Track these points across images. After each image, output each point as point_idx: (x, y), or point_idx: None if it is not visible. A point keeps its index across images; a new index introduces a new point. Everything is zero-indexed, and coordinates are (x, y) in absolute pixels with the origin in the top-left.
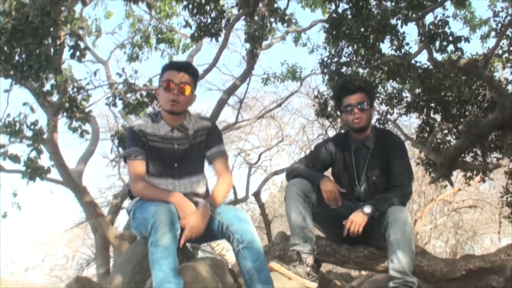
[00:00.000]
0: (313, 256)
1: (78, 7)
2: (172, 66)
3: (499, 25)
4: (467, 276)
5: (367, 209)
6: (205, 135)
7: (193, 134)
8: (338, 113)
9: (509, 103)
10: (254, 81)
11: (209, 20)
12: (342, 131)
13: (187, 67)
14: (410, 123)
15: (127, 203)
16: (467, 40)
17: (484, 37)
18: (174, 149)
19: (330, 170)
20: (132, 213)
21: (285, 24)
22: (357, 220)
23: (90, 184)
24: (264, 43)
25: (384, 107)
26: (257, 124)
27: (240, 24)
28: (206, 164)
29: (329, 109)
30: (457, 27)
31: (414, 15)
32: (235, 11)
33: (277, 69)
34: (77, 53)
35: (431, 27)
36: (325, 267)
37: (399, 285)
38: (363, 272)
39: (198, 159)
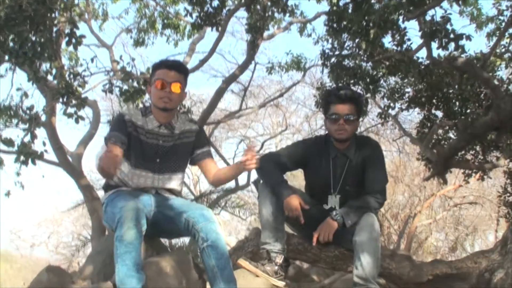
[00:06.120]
0: (283, 256)
1: None
2: (163, 65)
3: (503, 24)
4: (434, 281)
5: (338, 217)
6: (193, 137)
7: (179, 134)
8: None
9: (505, 104)
10: (259, 69)
11: (210, 10)
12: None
13: (178, 66)
14: (412, 117)
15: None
16: (468, 38)
17: (490, 35)
18: (159, 145)
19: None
20: (105, 206)
21: (287, 15)
22: (327, 229)
23: (93, 166)
24: (266, 33)
25: (385, 101)
26: (262, 111)
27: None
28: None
29: None
30: (463, 24)
31: (414, 12)
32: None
33: (283, 59)
34: (73, 41)
35: (433, 23)
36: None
37: None
38: None
39: (181, 158)
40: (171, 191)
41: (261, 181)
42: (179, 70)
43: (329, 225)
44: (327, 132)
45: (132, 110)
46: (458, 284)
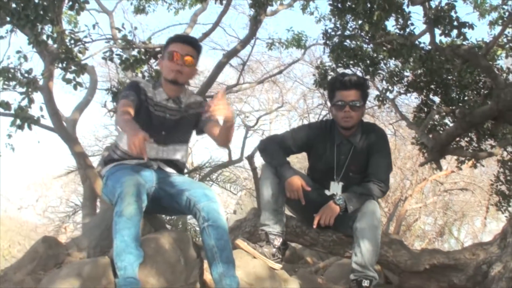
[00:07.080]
0: (282, 238)
1: None
2: (178, 39)
3: (507, 13)
4: (431, 270)
5: (341, 202)
6: (198, 108)
7: (185, 107)
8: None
9: (505, 95)
10: (258, 44)
11: None
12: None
13: (193, 41)
14: (409, 101)
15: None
16: (471, 26)
17: (492, 23)
18: (166, 118)
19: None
20: (105, 179)
21: None
22: (329, 213)
23: (87, 132)
24: (270, 9)
25: (384, 84)
26: (259, 87)
27: None
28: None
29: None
30: (466, 11)
31: None
32: None
33: (283, 35)
34: (76, 6)
35: (437, 9)
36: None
37: (359, 277)
38: None
39: (186, 130)
40: (175, 163)
41: (264, 162)
42: (194, 45)
43: (331, 209)
44: (332, 117)
45: (145, 80)
46: (455, 275)
